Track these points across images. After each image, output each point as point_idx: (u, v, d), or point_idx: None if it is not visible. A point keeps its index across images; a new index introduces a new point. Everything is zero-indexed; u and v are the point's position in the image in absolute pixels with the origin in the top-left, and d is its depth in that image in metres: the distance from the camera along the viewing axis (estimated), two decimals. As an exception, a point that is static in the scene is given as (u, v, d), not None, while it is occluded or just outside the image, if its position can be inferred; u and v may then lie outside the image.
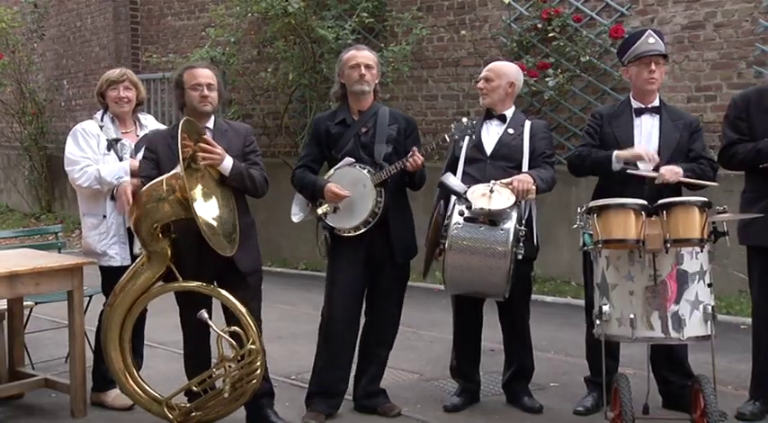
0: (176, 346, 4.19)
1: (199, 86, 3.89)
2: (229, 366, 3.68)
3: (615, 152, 3.97)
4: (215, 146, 3.77)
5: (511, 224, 3.80)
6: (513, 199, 3.85)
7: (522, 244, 3.82)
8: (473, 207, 3.79)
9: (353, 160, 4.03)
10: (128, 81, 4.38)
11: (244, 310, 3.71)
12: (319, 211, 4.03)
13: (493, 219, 3.80)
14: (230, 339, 3.66)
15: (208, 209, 3.74)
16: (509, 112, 4.25)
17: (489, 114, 4.26)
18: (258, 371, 3.71)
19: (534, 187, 3.93)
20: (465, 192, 3.87)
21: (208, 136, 3.87)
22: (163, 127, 4.61)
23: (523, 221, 3.92)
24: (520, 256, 3.81)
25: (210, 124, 3.97)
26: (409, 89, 8.33)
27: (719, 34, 6.63)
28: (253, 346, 3.67)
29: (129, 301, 3.82)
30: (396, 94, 8.20)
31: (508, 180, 3.93)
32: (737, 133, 3.99)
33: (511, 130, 4.19)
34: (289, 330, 5.69)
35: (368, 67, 4.07)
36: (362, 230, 3.97)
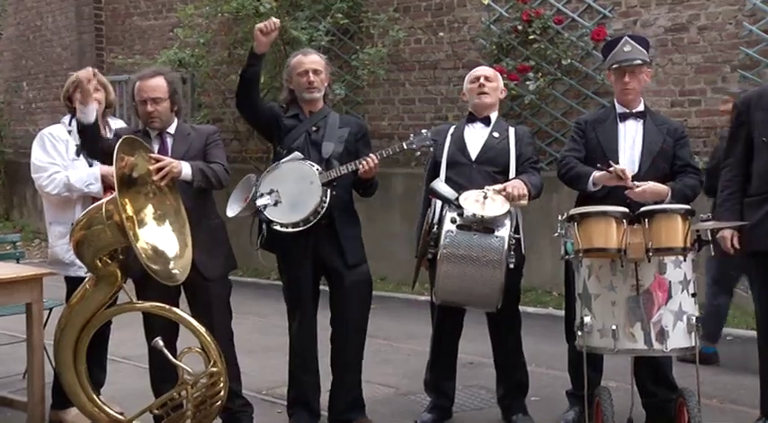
0: (143, 361, 4.17)
1: (143, 103, 3.90)
2: (191, 388, 3.64)
3: (593, 174, 3.96)
4: (163, 159, 3.73)
5: (505, 232, 3.80)
6: (507, 206, 3.84)
7: (513, 253, 3.83)
8: (466, 213, 3.78)
9: (302, 156, 4.04)
10: (96, 82, 4.33)
11: (203, 329, 3.64)
12: (259, 202, 4.01)
13: (487, 226, 3.79)
14: (186, 367, 3.61)
15: (157, 232, 3.65)
16: (493, 116, 4.27)
17: (472, 117, 4.27)
18: (222, 392, 3.66)
19: (527, 193, 3.95)
20: (457, 198, 3.85)
21: (167, 141, 3.91)
22: None
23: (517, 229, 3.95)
24: (511, 266, 3.81)
25: (172, 129, 4.00)
26: (385, 93, 8.36)
27: (703, 37, 6.72)
28: (214, 369, 3.62)
29: (79, 323, 3.71)
30: (371, 97, 8.22)
31: (500, 186, 3.93)
32: (734, 150, 3.98)
33: (496, 134, 4.20)
34: (260, 343, 5.67)
35: (316, 72, 4.12)
36: (301, 228, 3.95)
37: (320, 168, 3.99)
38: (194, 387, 3.63)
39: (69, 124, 4.32)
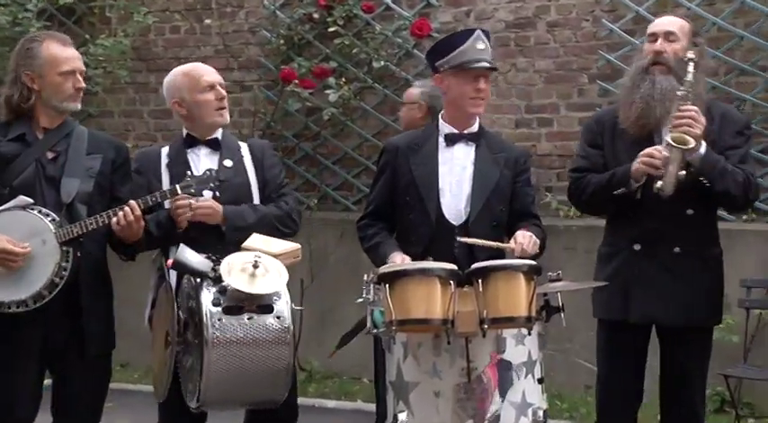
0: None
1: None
2: None
3: (391, 255, 4.05)
4: None
5: (285, 303, 3.83)
6: (285, 274, 3.86)
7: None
8: (230, 289, 3.76)
9: (31, 201, 3.92)
10: None
11: None
12: None
13: (263, 303, 3.80)
14: None
15: None
16: (219, 134, 4.32)
17: (192, 140, 4.28)
18: None
19: (299, 249, 4.01)
20: (214, 269, 3.83)
21: None
22: None
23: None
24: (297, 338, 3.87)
25: None
26: (129, 101, 8.28)
27: (554, 37, 7.08)
28: None
29: None
30: (109, 108, 8.10)
31: (279, 247, 3.96)
32: (590, 163, 4.23)
33: (228, 162, 4.24)
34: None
35: (82, 73, 4.10)
36: (31, 307, 3.85)
37: (57, 219, 3.89)
38: None
39: None
